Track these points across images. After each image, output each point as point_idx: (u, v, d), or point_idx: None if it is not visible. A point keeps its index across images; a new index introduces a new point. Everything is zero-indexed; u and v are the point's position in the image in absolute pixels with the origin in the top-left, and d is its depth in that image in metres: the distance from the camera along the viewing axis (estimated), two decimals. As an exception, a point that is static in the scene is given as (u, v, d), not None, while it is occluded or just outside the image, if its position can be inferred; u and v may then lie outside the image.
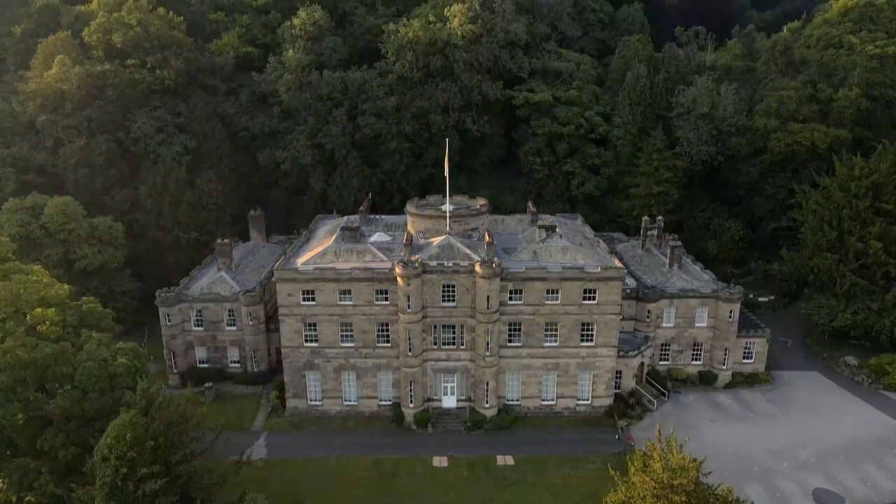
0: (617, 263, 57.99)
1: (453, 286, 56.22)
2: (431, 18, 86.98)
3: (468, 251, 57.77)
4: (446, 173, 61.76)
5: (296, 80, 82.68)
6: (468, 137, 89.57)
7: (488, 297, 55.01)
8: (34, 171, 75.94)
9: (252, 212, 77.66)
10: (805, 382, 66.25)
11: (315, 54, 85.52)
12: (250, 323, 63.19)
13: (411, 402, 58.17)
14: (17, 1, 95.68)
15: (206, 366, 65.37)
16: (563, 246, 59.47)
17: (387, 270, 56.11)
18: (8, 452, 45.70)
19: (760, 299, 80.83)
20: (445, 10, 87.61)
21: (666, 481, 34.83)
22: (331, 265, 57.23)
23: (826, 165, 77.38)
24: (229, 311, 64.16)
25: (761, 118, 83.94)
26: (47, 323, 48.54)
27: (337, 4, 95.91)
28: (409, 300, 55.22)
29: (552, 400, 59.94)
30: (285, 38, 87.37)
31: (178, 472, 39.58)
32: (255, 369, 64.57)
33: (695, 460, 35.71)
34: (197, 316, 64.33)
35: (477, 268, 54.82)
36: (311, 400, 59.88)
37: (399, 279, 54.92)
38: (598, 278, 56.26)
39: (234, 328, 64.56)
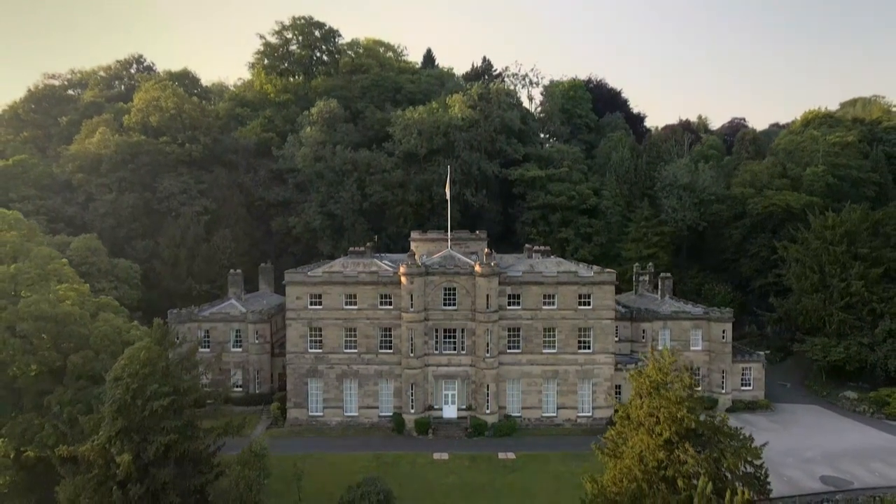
0: (609, 270, 61.31)
1: (454, 289, 59.10)
2: (434, 106, 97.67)
3: (468, 260, 61.38)
4: (447, 197, 67.10)
5: (311, 153, 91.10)
6: (468, 213, 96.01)
7: (487, 296, 57.74)
8: (63, 222, 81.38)
9: (263, 264, 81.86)
10: (807, 411, 66.25)
11: (329, 135, 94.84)
12: (256, 342, 64.88)
13: (412, 407, 58.33)
14: (65, 99, 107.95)
15: (208, 391, 65.52)
16: (558, 261, 63.21)
17: (391, 274, 59.37)
18: (13, 414, 46.21)
19: (757, 353, 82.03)
20: (447, 99, 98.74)
21: (660, 380, 36.11)
22: (338, 271, 60.55)
23: (802, 225, 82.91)
24: (237, 331, 66.09)
25: (738, 187, 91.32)
26: (68, 302, 51.22)
27: (349, 104, 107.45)
28: (411, 299, 57.84)
29: (553, 412, 59.97)
30: (303, 123, 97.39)
31: (184, 401, 40.28)
32: (258, 391, 65.00)
33: (689, 367, 37.25)
34: (204, 336, 66.08)
35: (476, 267, 58.20)
36: (311, 410, 59.93)
37: (402, 278, 58.02)
38: (592, 282, 59.32)
39: (239, 349, 66.01)
